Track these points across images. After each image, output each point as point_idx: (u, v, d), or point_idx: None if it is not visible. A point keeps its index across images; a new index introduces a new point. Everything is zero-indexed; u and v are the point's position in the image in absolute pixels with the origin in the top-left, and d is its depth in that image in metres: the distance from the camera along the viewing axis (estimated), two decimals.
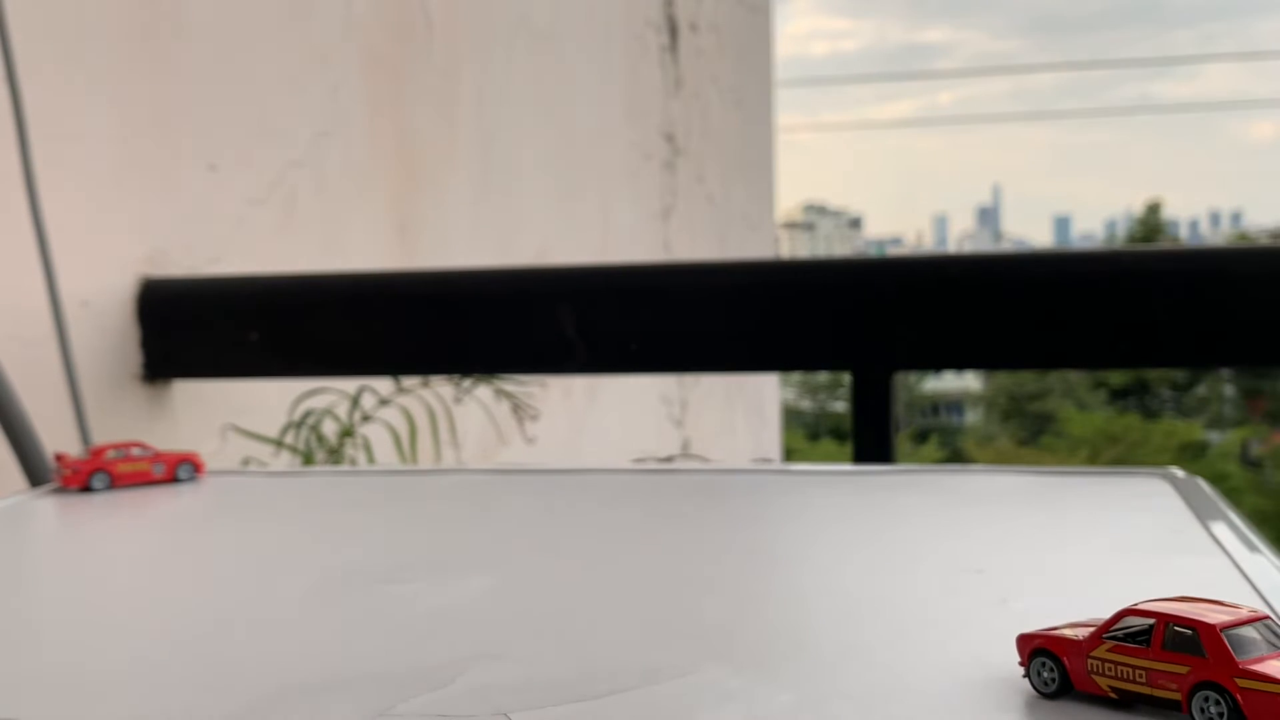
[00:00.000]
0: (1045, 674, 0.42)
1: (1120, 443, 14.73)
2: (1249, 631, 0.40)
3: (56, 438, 1.00)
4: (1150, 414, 17.47)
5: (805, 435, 18.01)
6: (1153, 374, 17.31)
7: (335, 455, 1.49)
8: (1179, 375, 17.79)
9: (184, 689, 0.46)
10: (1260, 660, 0.38)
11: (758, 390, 4.05)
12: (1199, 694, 0.39)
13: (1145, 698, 0.40)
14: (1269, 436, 15.85)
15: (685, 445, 3.12)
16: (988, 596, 0.55)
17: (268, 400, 1.52)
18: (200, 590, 0.61)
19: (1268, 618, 0.40)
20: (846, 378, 1.32)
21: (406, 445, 1.55)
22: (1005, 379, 18.91)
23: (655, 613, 0.54)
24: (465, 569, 0.62)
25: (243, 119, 1.59)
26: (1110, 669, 0.41)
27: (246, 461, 1.48)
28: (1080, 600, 0.54)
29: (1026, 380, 18.47)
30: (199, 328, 1.45)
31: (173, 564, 0.67)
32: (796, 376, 17.57)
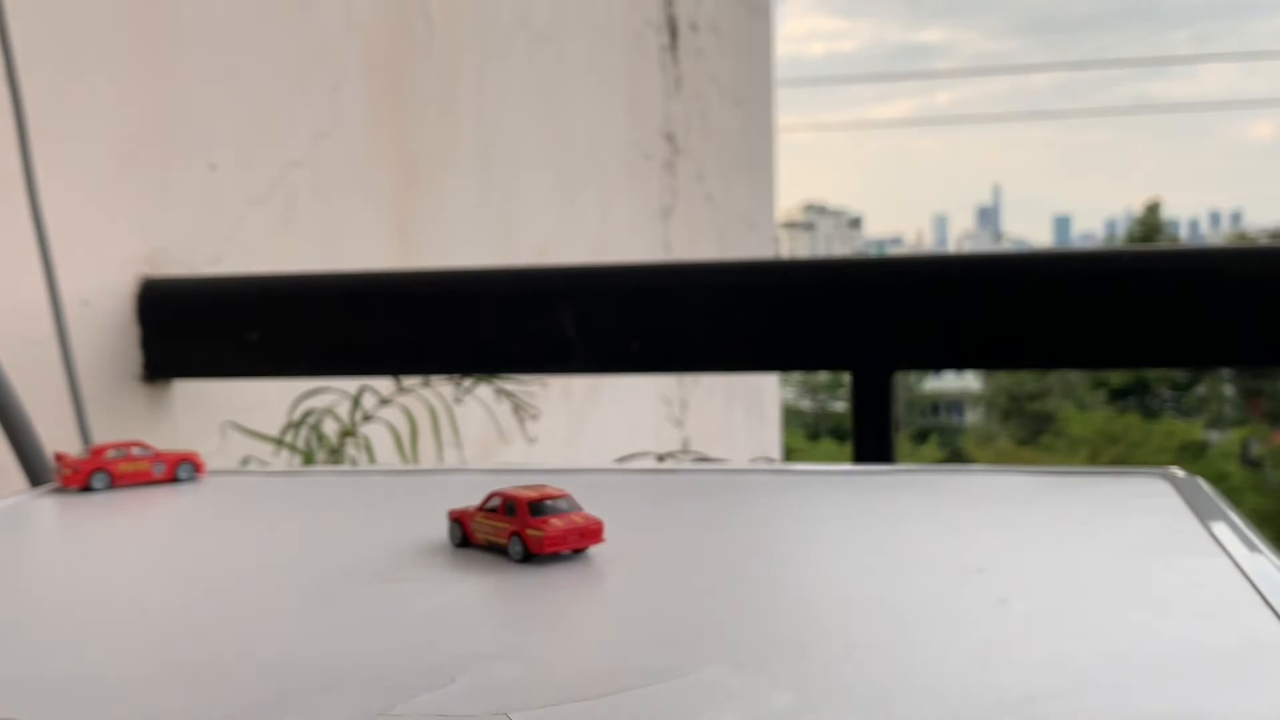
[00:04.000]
0: (457, 534, 0.66)
1: (1120, 443, 14.74)
2: (551, 504, 0.62)
3: (56, 438, 1.00)
4: (1150, 414, 17.48)
5: (805, 435, 18.02)
6: (1153, 374, 17.32)
7: (336, 455, 1.49)
8: (1179, 375, 17.80)
9: (184, 689, 0.46)
10: (546, 520, 0.61)
11: (758, 390, 4.05)
12: (512, 539, 0.62)
13: (496, 545, 0.63)
14: (1269, 436, 15.86)
15: (685, 445, 3.12)
16: (988, 596, 0.55)
17: (268, 400, 1.53)
18: (200, 590, 0.61)
19: (567, 495, 0.63)
20: (846, 378, 1.32)
21: (407, 445, 1.55)
22: (1005, 379, 18.92)
23: (655, 613, 0.54)
24: (465, 569, 0.62)
25: (243, 119, 1.59)
26: (483, 529, 0.64)
27: (246, 461, 1.48)
28: (1080, 599, 0.54)
29: (1026, 380, 18.48)
30: (199, 328, 1.45)
31: (173, 564, 0.67)
32: (796, 376, 17.58)
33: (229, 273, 1.51)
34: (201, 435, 1.47)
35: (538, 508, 0.62)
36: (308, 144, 1.72)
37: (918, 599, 0.55)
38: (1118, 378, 17.59)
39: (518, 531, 0.62)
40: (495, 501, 0.63)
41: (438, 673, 0.46)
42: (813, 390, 20.42)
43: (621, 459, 1.64)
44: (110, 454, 0.85)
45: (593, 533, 0.62)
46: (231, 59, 1.57)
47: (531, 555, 0.61)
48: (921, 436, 18.68)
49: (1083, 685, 0.43)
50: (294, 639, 0.51)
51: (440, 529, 0.70)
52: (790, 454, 12.21)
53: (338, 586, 0.59)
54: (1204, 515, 0.69)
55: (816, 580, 0.60)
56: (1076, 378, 18.02)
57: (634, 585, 0.59)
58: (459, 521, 0.65)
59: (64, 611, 0.57)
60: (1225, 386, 18.82)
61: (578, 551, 0.62)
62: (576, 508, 0.63)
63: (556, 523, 0.61)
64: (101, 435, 1.03)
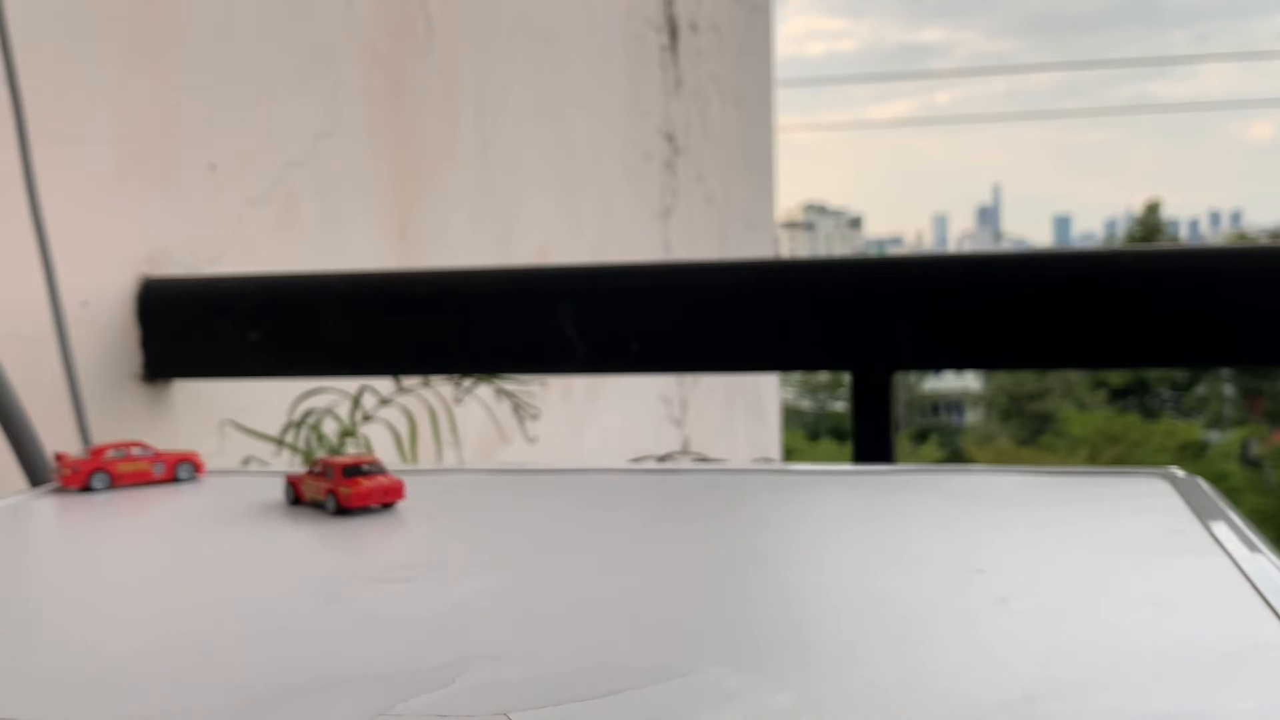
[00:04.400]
0: (290, 494, 0.78)
1: (1120, 443, 14.74)
2: (363, 468, 0.75)
3: (56, 438, 1.00)
4: (1150, 414, 17.49)
5: (805, 435, 18.03)
6: (1153, 374, 17.32)
7: (336, 455, 1.49)
8: (1179, 375, 17.80)
9: (184, 689, 0.46)
10: (356, 481, 0.74)
11: (758, 390, 4.05)
12: (328, 496, 0.75)
13: (318, 501, 0.76)
14: (1269, 436, 15.86)
15: (685, 445, 3.13)
16: (988, 596, 0.55)
17: (268, 400, 1.52)
18: (200, 590, 0.61)
19: (376, 460, 0.76)
20: (846, 378, 1.32)
21: (407, 445, 1.55)
22: (1005, 379, 18.94)
23: (655, 613, 0.54)
24: (465, 569, 0.62)
25: (243, 119, 1.59)
26: (309, 489, 0.76)
27: (247, 461, 1.48)
28: (1080, 599, 0.54)
29: (1026, 380, 18.50)
30: (199, 328, 1.45)
31: (173, 564, 0.67)
32: (796, 376, 17.59)
33: (229, 273, 1.51)
34: (201, 435, 1.47)
35: (348, 471, 0.75)
36: (308, 144, 1.72)
37: (918, 599, 0.55)
38: (1118, 378, 17.61)
39: (332, 490, 0.74)
40: (319, 467, 0.76)
41: (438, 673, 0.46)
42: (813, 390, 20.43)
43: (634, 460, 1.64)
44: (110, 454, 0.85)
45: (394, 490, 0.75)
46: (231, 59, 1.57)
47: (343, 509, 0.74)
48: (921, 436, 18.68)
49: (1083, 685, 0.43)
50: (294, 639, 0.51)
51: (442, 528, 0.70)
52: (790, 454, 12.21)
53: (337, 586, 0.59)
54: (1204, 515, 0.69)
55: (816, 580, 0.60)
56: (1076, 378, 18.03)
57: (633, 585, 0.59)
58: (293, 484, 0.78)
59: (64, 611, 0.57)
60: (1225, 386, 18.83)
61: (386, 506, 0.75)
62: (383, 471, 0.76)
63: (364, 483, 0.74)
64: (101, 435, 1.03)
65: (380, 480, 0.75)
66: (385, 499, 0.75)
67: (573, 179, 2.69)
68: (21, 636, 0.53)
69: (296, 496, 0.78)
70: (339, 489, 0.74)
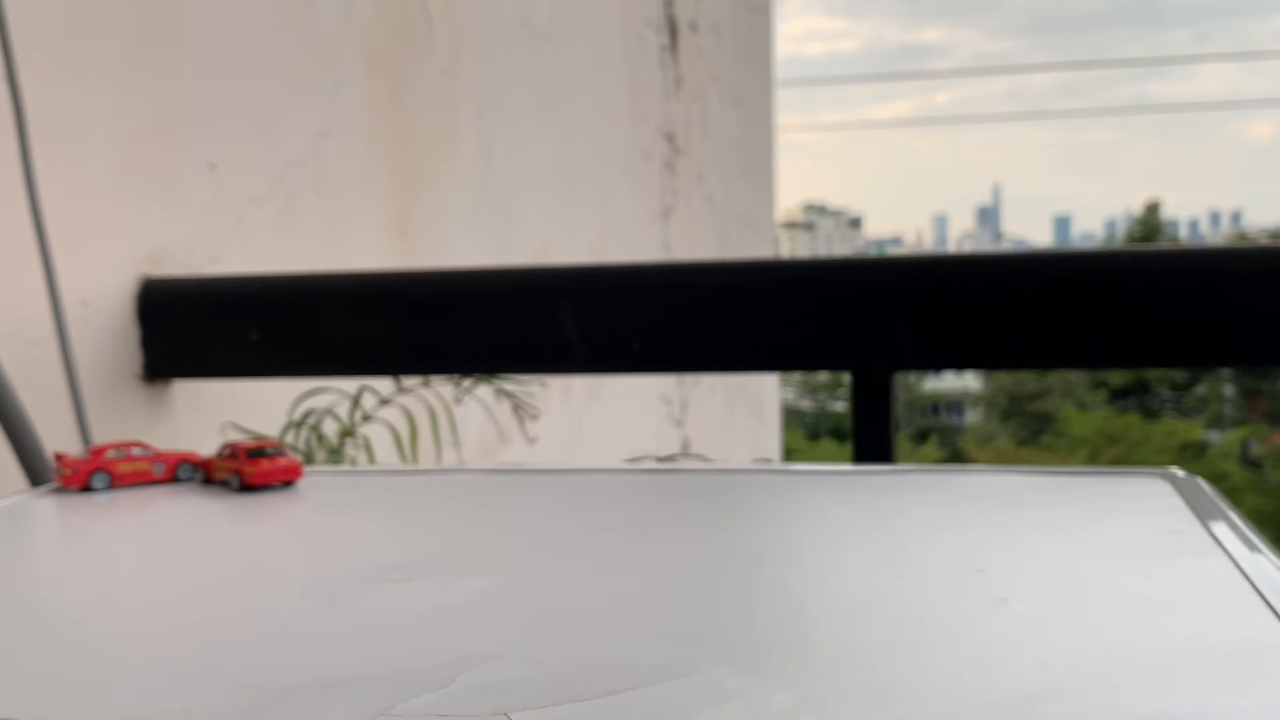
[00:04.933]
0: (201, 474, 0.86)
1: (1120, 443, 14.75)
2: (265, 451, 0.82)
3: (56, 438, 1.00)
4: (1150, 414, 17.49)
5: (805, 435, 18.03)
6: (1153, 374, 17.33)
7: (336, 455, 1.49)
8: (1179, 375, 17.81)
9: (184, 689, 0.46)
10: (258, 462, 0.81)
11: (758, 390, 4.05)
12: (232, 475, 0.83)
13: (225, 480, 0.83)
14: (1269, 436, 15.86)
15: (685, 445, 3.12)
16: (988, 596, 0.55)
17: (268, 400, 1.52)
18: (200, 590, 0.61)
19: (278, 444, 0.84)
20: (846, 378, 1.32)
21: (407, 445, 1.55)
22: (1005, 379, 18.95)
23: (655, 613, 0.54)
24: (465, 569, 0.62)
25: (243, 119, 1.59)
26: (218, 470, 0.84)
27: None
28: (1080, 599, 0.54)
29: (1026, 380, 18.51)
30: (199, 328, 1.45)
31: (173, 564, 0.67)
32: (796, 376, 17.60)
33: (229, 273, 1.51)
34: (201, 435, 1.47)
35: (251, 453, 0.82)
36: (308, 144, 1.72)
37: (918, 599, 0.55)
38: (1118, 378, 17.61)
39: (237, 470, 0.82)
40: (226, 450, 0.84)
41: (438, 673, 0.46)
42: (813, 390, 20.44)
43: (632, 460, 1.64)
44: (110, 454, 0.85)
45: (293, 470, 0.83)
46: (231, 59, 1.57)
47: (245, 486, 0.82)
48: (921, 436, 18.69)
49: (1083, 685, 0.43)
50: (294, 639, 0.51)
51: (442, 528, 0.70)
52: (790, 454, 12.21)
53: (337, 586, 0.59)
54: (1204, 515, 0.69)
55: (816, 580, 0.60)
56: (1076, 378, 18.03)
57: (633, 585, 0.59)
58: (205, 466, 0.86)
59: (64, 611, 0.57)
60: (1225, 386, 18.84)
61: (286, 484, 0.83)
62: (283, 454, 0.84)
63: (265, 464, 0.82)
64: (101, 435, 1.03)
65: (280, 461, 0.83)
66: (284, 478, 0.83)
67: (573, 179, 2.69)
68: (21, 636, 0.53)
69: (208, 477, 0.85)
70: (243, 469, 0.82)
